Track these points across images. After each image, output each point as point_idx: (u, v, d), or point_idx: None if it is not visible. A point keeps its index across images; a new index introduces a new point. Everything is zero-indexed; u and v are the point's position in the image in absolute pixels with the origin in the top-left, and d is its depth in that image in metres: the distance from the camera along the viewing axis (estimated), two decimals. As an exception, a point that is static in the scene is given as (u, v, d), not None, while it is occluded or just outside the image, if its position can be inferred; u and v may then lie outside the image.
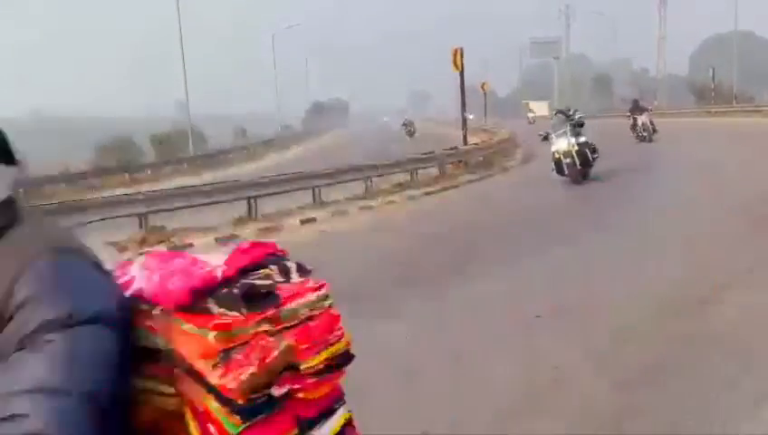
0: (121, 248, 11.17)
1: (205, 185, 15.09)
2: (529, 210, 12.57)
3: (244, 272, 1.33)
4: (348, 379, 1.43)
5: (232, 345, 1.21)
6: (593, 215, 11.50)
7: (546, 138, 16.11)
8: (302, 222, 13.17)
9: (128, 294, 1.33)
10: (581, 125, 15.84)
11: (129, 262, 1.44)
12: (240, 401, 1.19)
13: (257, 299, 1.28)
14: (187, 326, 1.24)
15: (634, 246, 8.68)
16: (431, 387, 4.67)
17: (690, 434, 3.80)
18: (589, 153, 15.22)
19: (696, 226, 9.69)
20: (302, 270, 1.46)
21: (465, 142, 24.25)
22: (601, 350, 5.09)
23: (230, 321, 1.22)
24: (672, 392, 4.27)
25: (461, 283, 7.40)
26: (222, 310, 1.24)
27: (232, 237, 11.87)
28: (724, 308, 5.83)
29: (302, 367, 1.31)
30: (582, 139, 15.35)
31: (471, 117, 51.39)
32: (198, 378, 1.21)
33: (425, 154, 19.99)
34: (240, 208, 13.56)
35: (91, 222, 11.37)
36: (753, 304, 5.83)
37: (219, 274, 1.29)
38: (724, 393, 4.21)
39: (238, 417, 1.20)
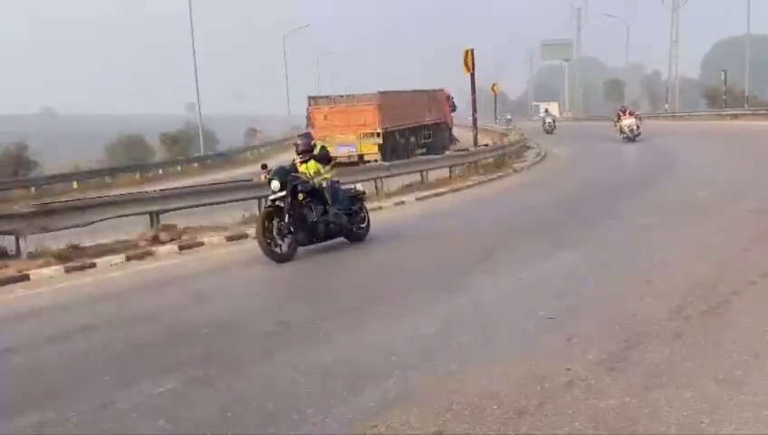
0: (132, 245, 11.27)
1: (215, 184, 15.13)
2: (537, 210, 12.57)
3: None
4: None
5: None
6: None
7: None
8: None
9: None
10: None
11: None
12: None
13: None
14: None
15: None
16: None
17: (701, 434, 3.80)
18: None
19: None
20: None
21: (476, 143, 24.23)
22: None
23: None
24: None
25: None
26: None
27: (242, 236, 11.93)
28: None
29: None
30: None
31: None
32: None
33: (435, 155, 20.01)
34: (251, 208, 13.59)
35: (102, 220, 11.45)
36: None
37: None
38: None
39: None
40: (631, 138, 28.47)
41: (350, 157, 24.99)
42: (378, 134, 26.09)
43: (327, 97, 28.14)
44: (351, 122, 26.30)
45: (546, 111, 47.45)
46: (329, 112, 27.04)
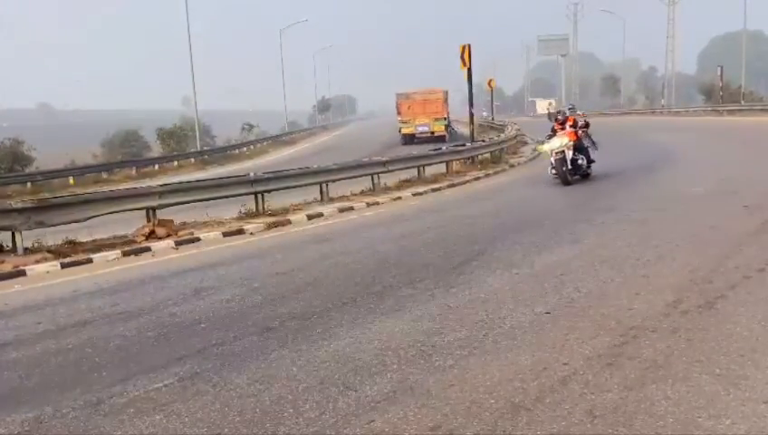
0: (129, 240, 11.25)
1: (212, 179, 15.11)
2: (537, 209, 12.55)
3: None
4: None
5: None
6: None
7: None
8: (310, 217, 13.19)
9: None
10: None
11: None
12: None
13: None
14: None
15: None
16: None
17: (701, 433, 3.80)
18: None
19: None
20: None
21: (473, 139, 24.22)
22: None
23: None
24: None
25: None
26: None
27: (239, 231, 11.93)
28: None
29: None
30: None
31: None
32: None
33: (432, 151, 20.01)
34: (248, 203, 13.60)
35: (98, 215, 11.43)
36: None
37: None
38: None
39: None
40: (562, 176, 15.00)
41: (423, 133, 38.36)
42: (444, 118, 39.34)
43: (409, 92, 40.56)
44: (426, 110, 39.01)
45: (572, 107, 33.64)
46: (411, 103, 39.53)
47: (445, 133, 37.92)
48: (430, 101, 39.26)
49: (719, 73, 49.82)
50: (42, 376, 5.47)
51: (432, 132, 38.02)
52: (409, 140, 37.79)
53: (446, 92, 41.98)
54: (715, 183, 13.65)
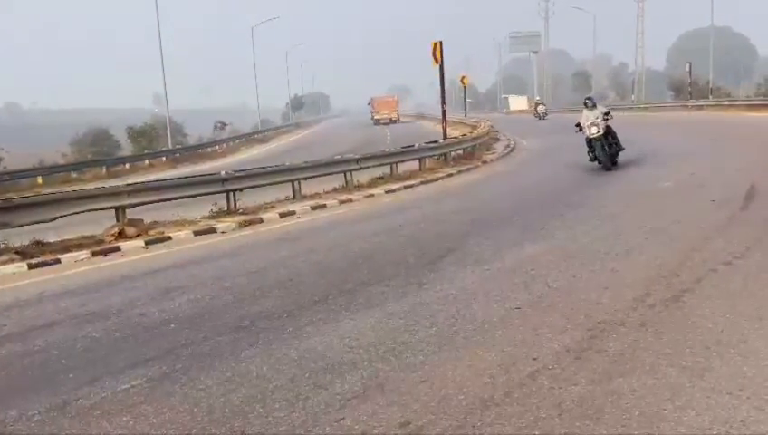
0: (98, 242, 11.11)
1: (183, 178, 14.97)
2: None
3: None
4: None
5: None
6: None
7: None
8: (282, 215, 13.13)
9: None
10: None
11: None
12: None
13: None
14: None
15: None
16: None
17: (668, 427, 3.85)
18: None
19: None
20: None
21: (446, 136, 24.27)
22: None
23: None
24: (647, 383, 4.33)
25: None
26: None
27: (211, 230, 11.84)
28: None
29: None
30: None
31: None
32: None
33: (404, 148, 20.01)
34: (220, 202, 13.49)
35: (66, 215, 11.27)
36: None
37: None
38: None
39: None
40: None
41: (385, 118, 67.15)
42: (397, 111, 70.68)
43: (378, 96, 74.25)
44: (387, 107, 70.14)
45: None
46: (379, 102, 71.39)
47: (397, 119, 68.33)
48: (389, 102, 72.65)
49: (688, 69, 50.44)
50: (7, 379, 5.38)
51: (390, 118, 67.65)
52: (377, 122, 66.30)
53: (398, 96, 79.83)
54: (684, 178, 13.83)
